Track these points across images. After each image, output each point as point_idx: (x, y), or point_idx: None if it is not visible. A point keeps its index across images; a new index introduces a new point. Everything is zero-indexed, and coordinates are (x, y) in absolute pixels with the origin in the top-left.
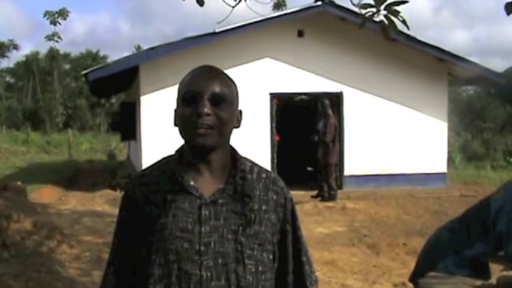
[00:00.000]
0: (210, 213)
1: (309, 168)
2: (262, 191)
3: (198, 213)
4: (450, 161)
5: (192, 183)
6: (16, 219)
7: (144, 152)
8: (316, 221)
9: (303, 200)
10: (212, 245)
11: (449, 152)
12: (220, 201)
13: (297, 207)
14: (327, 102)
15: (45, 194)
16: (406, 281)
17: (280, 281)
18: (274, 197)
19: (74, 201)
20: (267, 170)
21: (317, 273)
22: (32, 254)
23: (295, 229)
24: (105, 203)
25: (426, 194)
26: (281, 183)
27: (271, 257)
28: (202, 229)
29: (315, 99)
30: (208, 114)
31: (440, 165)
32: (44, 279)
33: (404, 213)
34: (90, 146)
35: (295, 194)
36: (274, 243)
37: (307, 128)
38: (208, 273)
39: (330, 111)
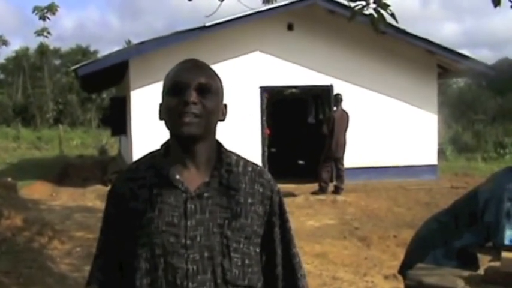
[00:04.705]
0: (196, 207)
1: (300, 162)
2: (248, 183)
3: (184, 207)
4: (441, 152)
5: (177, 177)
6: (7, 216)
7: (135, 146)
8: (307, 214)
9: (294, 193)
10: (198, 238)
11: (440, 144)
12: (205, 194)
13: (288, 200)
14: (339, 96)
15: (36, 190)
16: (397, 273)
17: (269, 273)
18: (261, 190)
19: (65, 196)
20: (253, 163)
21: (308, 266)
22: (23, 250)
23: (284, 221)
24: (96, 199)
25: (417, 186)
26: (267, 175)
27: (258, 250)
28: (188, 223)
29: (305, 92)
30: (194, 103)
31: (431, 157)
32: (35, 275)
33: (395, 205)
34: (81, 141)
35: (287, 187)
36: (262, 236)
37: (298, 121)
38: (195, 267)
39: (336, 106)
